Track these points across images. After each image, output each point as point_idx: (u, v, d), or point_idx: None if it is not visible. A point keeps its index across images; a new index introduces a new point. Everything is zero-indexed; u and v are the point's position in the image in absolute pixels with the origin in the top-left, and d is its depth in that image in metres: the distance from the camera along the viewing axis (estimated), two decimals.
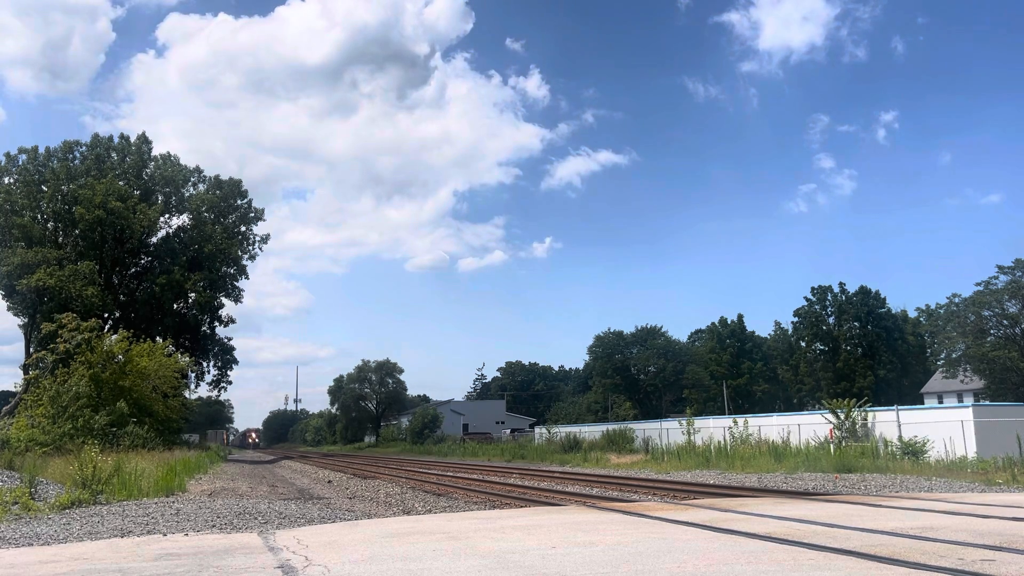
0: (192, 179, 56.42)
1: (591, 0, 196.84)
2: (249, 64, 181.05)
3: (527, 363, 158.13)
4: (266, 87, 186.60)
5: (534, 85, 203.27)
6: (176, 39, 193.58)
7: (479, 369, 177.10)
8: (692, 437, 34.11)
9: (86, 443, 22.02)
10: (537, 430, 60.19)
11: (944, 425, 26.40)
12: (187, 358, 48.06)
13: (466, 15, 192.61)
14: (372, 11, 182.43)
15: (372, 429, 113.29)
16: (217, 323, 58.14)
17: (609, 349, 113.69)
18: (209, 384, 60.87)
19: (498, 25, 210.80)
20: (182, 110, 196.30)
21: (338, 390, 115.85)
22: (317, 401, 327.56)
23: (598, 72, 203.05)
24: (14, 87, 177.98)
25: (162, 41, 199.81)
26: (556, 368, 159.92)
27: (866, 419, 28.90)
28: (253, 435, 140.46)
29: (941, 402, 64.29)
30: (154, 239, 54.36)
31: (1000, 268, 59.09)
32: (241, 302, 58.72)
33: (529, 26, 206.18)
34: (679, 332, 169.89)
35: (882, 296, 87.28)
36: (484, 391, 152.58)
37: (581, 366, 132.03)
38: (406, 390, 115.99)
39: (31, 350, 44.66)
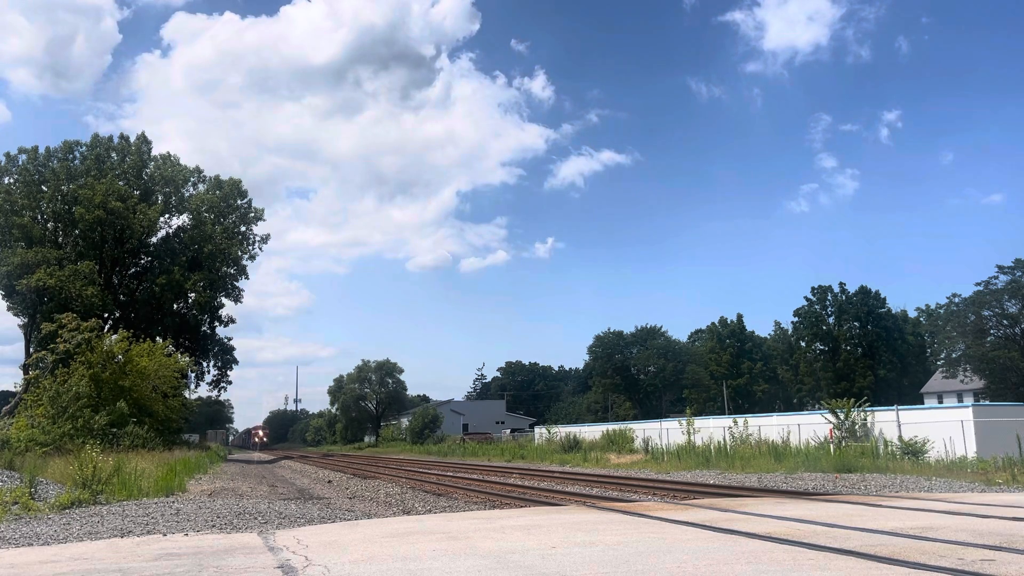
0: (192, 179, 56.50)
1: (596, 1, 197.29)
2: (254, 64, 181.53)
3: (527, 363, 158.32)
4: (271, 87, 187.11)
5: (539, 86, 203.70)
6: (181, 39, 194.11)
7: (479, 369, 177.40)
8: (692, 437, 34.09)
9: (86, 443, 22.02)
10: (537, 430, 60.14)
11: (944, 425, 26.38)
12: (187, 358, 48.15)
13: (472, 16, 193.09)
14: (379, 11, 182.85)
15: (372, 429, 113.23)
16: (217, 323, 58.34)
17: (609, 349, 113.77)
18: (209, 384, 61.21)
19: (504, 26, 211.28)
20: (186, 110, 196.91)
21: (338, 390, 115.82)
22: (317, 401, 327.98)
23: (602, 73, 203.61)
24: (18, 87, 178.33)
25: (167, 41, 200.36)
26: (556, 368, 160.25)
27: (866, 419, 28.87)
28: (260, 434, 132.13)
29: (941, 402, 64.29)
30: (154, 239, 54.45)
31: (1000, 268, 59.23)
32: (241, 302, 58.94)
33: (535, 27, 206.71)
34: (679, 332, 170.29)
35: (882, 296, 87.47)
36: (484, 391, 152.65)
37: (581, 366, 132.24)
38: (406, 390, 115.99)
39: (31, 350, 44.65)
